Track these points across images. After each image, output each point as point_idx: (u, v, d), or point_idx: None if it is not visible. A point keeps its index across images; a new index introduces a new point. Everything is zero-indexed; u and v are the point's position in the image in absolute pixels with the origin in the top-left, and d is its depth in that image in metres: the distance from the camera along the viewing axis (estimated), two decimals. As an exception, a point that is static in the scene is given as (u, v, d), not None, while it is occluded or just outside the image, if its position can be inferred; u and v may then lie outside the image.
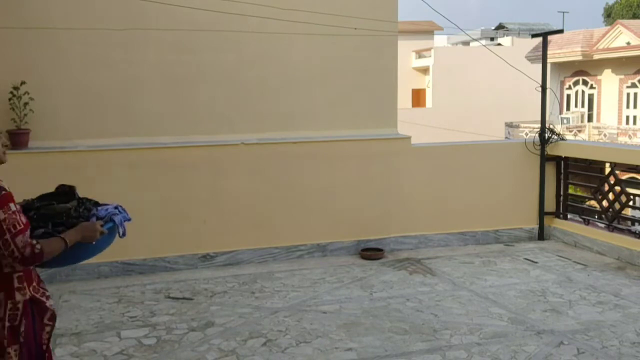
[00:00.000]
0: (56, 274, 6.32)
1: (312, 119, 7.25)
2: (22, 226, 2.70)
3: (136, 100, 6.75)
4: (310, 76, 7.24)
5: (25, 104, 6.27)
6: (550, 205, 7.90)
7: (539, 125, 7.93)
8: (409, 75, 34.21)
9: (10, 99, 6.22)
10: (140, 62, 6.72)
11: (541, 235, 7.86)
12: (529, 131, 23.47)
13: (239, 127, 7.04)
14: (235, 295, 5.88)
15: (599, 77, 26.56)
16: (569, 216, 7.92)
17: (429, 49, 34.30)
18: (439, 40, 42.79)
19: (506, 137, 25.92)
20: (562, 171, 7.89)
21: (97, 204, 3.20)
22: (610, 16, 48.75)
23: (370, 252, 7.09)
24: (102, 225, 2.97)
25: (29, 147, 6.33)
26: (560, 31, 8.91)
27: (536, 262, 6.86)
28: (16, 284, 2.79)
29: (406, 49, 31.67)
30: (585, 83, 27.24)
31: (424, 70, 35.07)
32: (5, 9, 6.33)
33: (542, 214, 7.87)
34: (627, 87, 25.59)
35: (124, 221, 3.12)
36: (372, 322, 5.14)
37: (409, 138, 7.45)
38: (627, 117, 25.82)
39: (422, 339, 4.78)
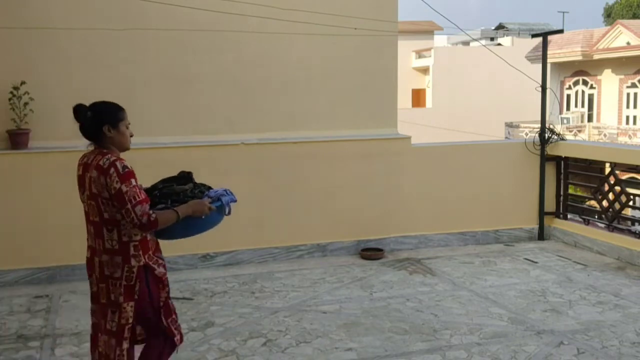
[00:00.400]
0: (56, 274, 6.32)
1: (312, 119, 7.25)
2: (141, 198, 3.17)
3: (136, 101, 6.74)
4: (310, 76, 7.23)
5: (25, 104, 6.27)
6: (550, 205, 7.90)
7: (539, 125, 7.94)
8: (409, 75, 34.22)
9: (10, 99, 6.22)
10: (140, 62, 6.72)
11: (541, 235, 7.87)
12: (529, 131, 23.47)
13: (239, 127, 7.04)
14: (235, 295, 5.88)
15: (599, 77, 26.57)
16: (569, 216, 7.92)
17: (429, 49, 34.30)
18: (439, 40, 42.79)
19: (506, 137, 25.92)
20: (562, 171, 7.89)
21: (209, 187, 3.67)
22: (610, 16, 48.75)
23: (370, 252, 7.09)
24: (210, 204, 3.43)
25: (29, 147, 6.33)
26: (560, 31, 8.91)
27: (536, 262, 6.86)
28: (132, 252, 3.23)
29: (406, 49, 31.67)
30: (585, 83, 27.25)
31: (424, 70, 35.07)
32: (5, 9, 6.33)
33: (542, 214, 7.87)
34: (627, 87, 25.59)
35: (230, 202, 3.61)
36: (372, 322, 5.14)
37: (409, 138, 7.45)
38: (627, 117, 25.82)
39: (422, 339, 4.79)
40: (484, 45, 21.73)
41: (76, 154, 6.32)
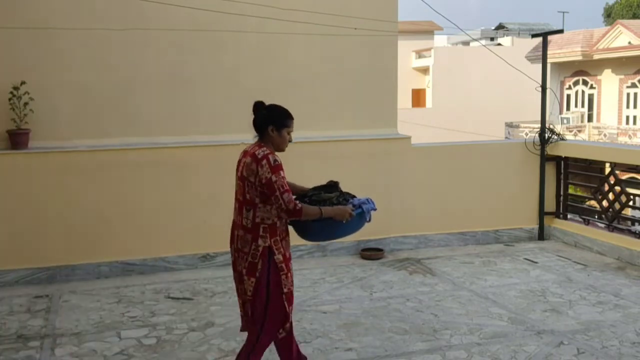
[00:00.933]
0: (56, 274, 6.32)
1: (312, 119, 7.24)
2: (288, 188, 3.63)
3: (136, 101, 6.76)
4: (310, 76, 7.23)
5: (25, 104, 6.27)
6: (550, 205, 7.90)
7: (539, 125, 7.94)
8: (409, 75, 34.20)
9: (10, 99, 6.22)
10: (140, 62, 6.72)
11: (541, 235, 7.86)
12: (529, 131, 23.46)
13: (239, 127, 7.01)
14: (235, 295, 5.86)
15: (599, 77, 26.56)
16: (569, 216, 7.92)
17: (429, 49, 34.29)
18: (439, 40, 42.77)
19: (506, 137, 25.91)
20: (562, 171, 7.90)
21: (353, 196, 4.04)
22: (610, 16, 48.74)
23: (370, 252, 7.09)
24: (352, 210, 3.82)
25: (29, 147, 6.33)
26: (560, 31, 8.91)
27: (536, 262, 6.86)
28: (261, 232, 3.66)
29: (406, 49, 31.66)
30: (585, 83, 27.24)
31: (424, 70, 35.06)
32: (5, 9, 6.33)
33: (542, 214, 7.87)
34: (627, 87, 25.59)
35: (371, 210, 3.95)
36: (372, 322, 5.14)
37: (409, 138, 7.45)
38: (627, 117, 25.82)
39: (422, 339, 4.78)
40: (484, 45, 21.73)
41: (76, 154, 6.41)
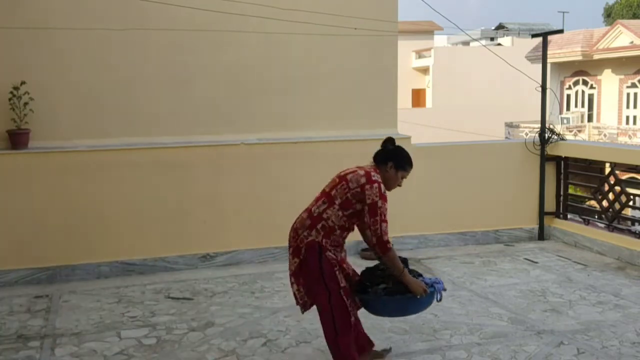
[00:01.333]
0: (56, 274, 6.32)
1: (312, 119, 7.24)
2: (387, 219, 3.78)
3: (136, 100, 6.75)
4: (310, 76, 7.23)
5: (25, 104, 6.27)
6: (550, 205, 7.90)
7: (539, 125, 7.93)
8: (409, 75, 34.23)
9: (10, 99, 6.22)
10: (140, 62, 6.72)
11: (541, 235, 7.86)
12: (529, 131, 23.47)
13: (239, 127, 7.04)
14: (235, 295, 5.88)
15: (599, 77, 26.57)
16: (569, 216, 7.92)
17: (429, 49, 34.32)
18: (439, 40, 42.80)
19: (506, 137, 25.92)
20: (562, 171, 7.89)
21: (420, 274, 4.15)
22: (610, 16, 48.75)
23: (370, 252, 7.05)
24: (427, 288, 3.93)
25: (29, 147, 6.33)
26: (560, 31, 8.91)
27: (536, 262, 6.86)
28: (318, 226, 3.86)
29: (406, 49, 31.69)
30: (585, 83, 27.25)
31: (424, 70, 35.09)
32: (5, 9, 6.33)
33: (542, 214, 7.87)
34: (627, 87, 25.60)
35: (441, 290, 4.06)
36: (372, 322, 5.13)
37: (409, 138, 7.43)
38: (627, 117, 25.83)
39: (422, 339, 4.78)
40: (484, 45, 21.74)
41: (76, 154, 6.41)
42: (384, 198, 3.79)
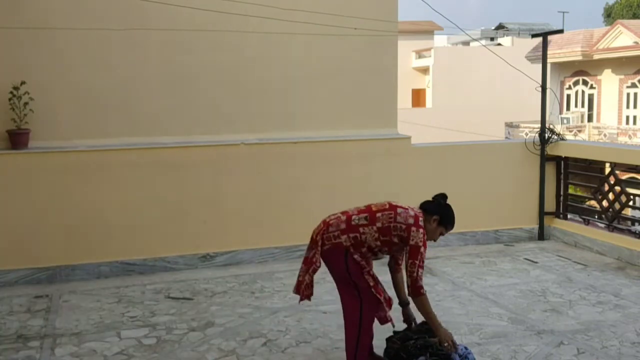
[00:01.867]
0: (56, 274, 6.32)
1: (312, 119, 7.25)
2: (424, 265, 3.89)
3: (136, 100, 6.76)
4: (310, 76, 7.23)
5: (25, 104, 6.27)
6: (550, 205, 7.90)
7: (539, 125, 7.93)
8: (409, 75, 34.21)
9: (10, 99, 6.22)
10: (140, 62, 6.72)
11: (541, 235, 7.86)
12: (529, 131, 23.46)
13: (239, 127, 7.04)
14: (235, 295, 5.88)
15: (599, 77, 26.56)
16: (569, 216, 7.91)
17: (429, 49, 34.30)
18: (439, 40, 42.78)
19: (506, 137, 25.91)
20: (562, 171, 7.89)
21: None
22: (610, 16, 48.73)
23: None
24: (456, 346, 4.00)
25: (29, 147, 6.33)
26: (560, 31, 8.91)
27: (536, 262, 6.86)
28: (350, 235, 3.94)
29: (406, 49, 31.65)
30: (585, 83, 27.24)
31: (424, 70, 35.07)
32: (5, 9, 6.33)
33: (542, 214, 7.87)
34: (627, 87, 25.58)
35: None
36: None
37: (409, 138, 7.44)
38: (627, 117, 25.81)
39: (422, 339, 4.77)
40: (484, 45, 21.74)
41: (76, 154, 6.41)
42: (425, 245, 3.91)
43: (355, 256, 3.94)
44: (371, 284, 3.99)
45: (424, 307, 3.92)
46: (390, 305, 4.13)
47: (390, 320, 4.12)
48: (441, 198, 4.20)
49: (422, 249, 3.87)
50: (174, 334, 4.94)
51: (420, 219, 3.98)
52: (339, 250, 3.94)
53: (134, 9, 6.61)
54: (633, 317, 5.19)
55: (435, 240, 4.15)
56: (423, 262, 3.89)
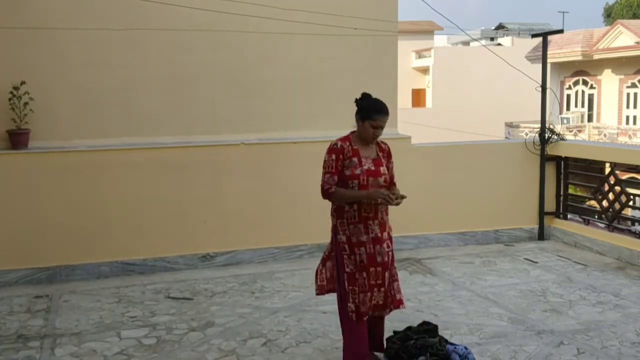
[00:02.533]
0: (56, 274, 6.32)
1: (312, 119, 7.25)
2: (332, 170, 3.91)
3: (136, 100, 6.76)
4: (310, 76, 7.23)
5: (25, 104, 6.27)
6: (550, 205, 7.90)
7: (539, 125, 7.93)
8: (409, 75, 34.22)
9: (10, 99, 6.23)
10: (140, 62, 6.72)
11: (541, 235, 7.86)
12: (529, 131, 23.47)
13: (239, 127, 7.04)
14: (235, 295, 5.88)
15: (599, 77, 26.56)
16: (569, 216, 7.92)
17: (429, 49, 34.30)
18: (439, 40, 42.80)
19: (506, 137, 25.92)
20: (562, 171, 7.89)
21: (447, 341, 4.25)
22: (610, 16, 48.74)
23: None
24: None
25: (29, 147, 6.33)
26: (560, 31, 8.91)
27: (536, 262, 6.86)
28: (331, 211, 4.04)
29: (406, 49, 31.68)
30: (585, 83, 27.24)
31: (424, 70, 35.08)
32: (5, 9, 6.33)
33: (542, 214, 7.87)
34: (627, 87, 25.59)
35: None
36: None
37: (409, 138, 7.44)
38: (627, 117, 25.82)
39: (422, 339, 4.77)
40: (484, 45, 21.75)
41: (76, 154, 6.41)
42: (328, 152, 3.97)
43: (341, 236, 3.99)
44: (347, 269, 3.99)
45: (340, 198, 3.93)
46: (365, 313, 4.07)
47: (357, 312, 4.06)
48: (359, 99, 4.03)
49: (325, 157, 3.96)
50: (174, 334, 4.94)
51: (338, 142, 4.02)
52: (333, 233, 4.09)
53: (134, 9, 6.61)
54: (633, 317, 5.19)
55: (375, 138, 4.05)
56: (327, 168, 3.94)
